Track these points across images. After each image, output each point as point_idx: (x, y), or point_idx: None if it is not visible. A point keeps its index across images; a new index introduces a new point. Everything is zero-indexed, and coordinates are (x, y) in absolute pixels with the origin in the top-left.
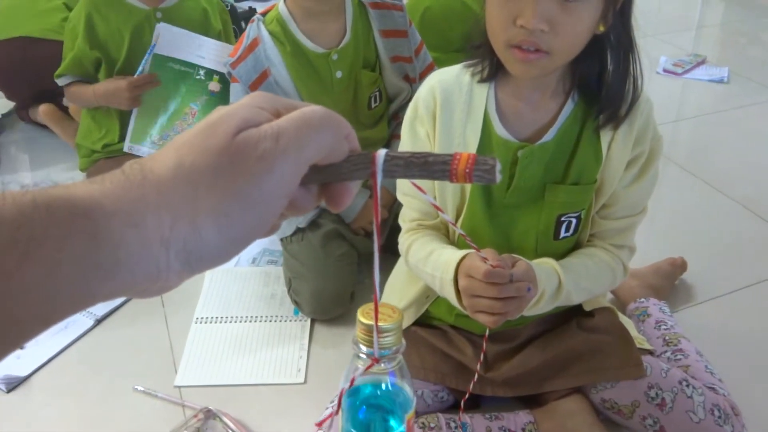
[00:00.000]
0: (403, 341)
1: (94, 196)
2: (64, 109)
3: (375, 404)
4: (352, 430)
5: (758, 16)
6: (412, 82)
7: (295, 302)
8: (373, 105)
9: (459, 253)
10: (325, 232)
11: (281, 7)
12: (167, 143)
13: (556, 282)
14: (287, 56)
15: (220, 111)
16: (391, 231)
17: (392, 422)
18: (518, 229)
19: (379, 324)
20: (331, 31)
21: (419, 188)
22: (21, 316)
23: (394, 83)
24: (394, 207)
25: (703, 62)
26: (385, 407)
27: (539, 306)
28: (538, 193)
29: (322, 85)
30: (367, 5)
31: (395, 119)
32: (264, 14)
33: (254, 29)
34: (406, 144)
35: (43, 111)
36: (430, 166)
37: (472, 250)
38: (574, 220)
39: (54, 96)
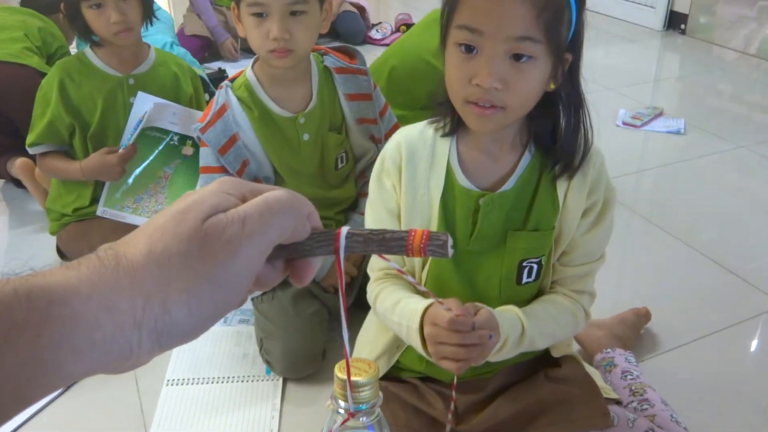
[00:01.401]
0: (380, 395)
1: (71, 282)
2: None
3: None
4: None
5: (713, 68)
6: (378, 142)
7: (267, 362)
8: (339, 165)
9: (424, 303)
10: (295, 291)
11: (249, 73)
12: (140, 206)
13: (519, 328)
14: (255, 121)
15: (190, 197)
16: (362, 287)
17: None
18: (482, 275)
19: (356, 378)
20: (298, 95)
21: (382, 257)
22: (1, 399)
23: (360, 144)
24: (363, 264)
25: (660, 114)
26: None
27: (503, 352)
28: (500, 240)
29: (290, 147)
30: (332, 70)
31: (362, 178)
32: (232, 80)
33: (223, 95)
34: (373, 196)
35: (19, 165)
36: (387, 242)
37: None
38: (535, 266)
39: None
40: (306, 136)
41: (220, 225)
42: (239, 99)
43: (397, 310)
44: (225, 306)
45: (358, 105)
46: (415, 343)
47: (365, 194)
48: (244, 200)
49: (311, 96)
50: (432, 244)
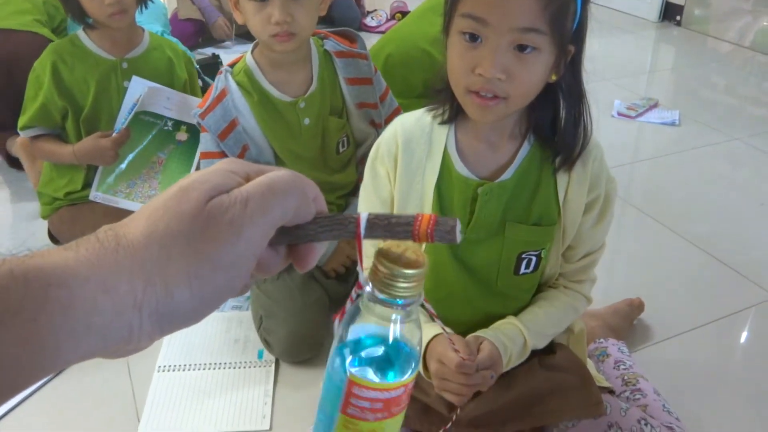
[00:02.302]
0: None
1: (69, 263)
2: None
3: (373, 359)
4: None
5: (708, 60)
6: (378, 126)
7: (265, 341)
8: (341, 150)
9: (430, 332)
10: (302, 274)
11: (248, 58)
12: (134, 192)
13: (521, 342)
14: (255, 106)
15: (193, 176)
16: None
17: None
18: (479, 263)
19: (402, 269)
20: (298, 80)
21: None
22: None
23: (360, 128)
24: None
25: (655, 105)
26: (386, 362)
27: (508, 367)
28: (498, 230)
29: (291, 132)
30: (332, 54)
31: (362, 163)
32: (232, 66)
33: (222, 80)
34: (366, 182)
35: (21, 143)
36: (392, 227)
37: (441, 332)
38: (534, 258)
39: None
40: (307, 121)
41: (222, 206)
42: (239, 84)
43: None
44: (227, 288)
45: (359, 89)
46: None
47: None
48: (248, 179)
49: (311, 80)
50: (439, 229)
